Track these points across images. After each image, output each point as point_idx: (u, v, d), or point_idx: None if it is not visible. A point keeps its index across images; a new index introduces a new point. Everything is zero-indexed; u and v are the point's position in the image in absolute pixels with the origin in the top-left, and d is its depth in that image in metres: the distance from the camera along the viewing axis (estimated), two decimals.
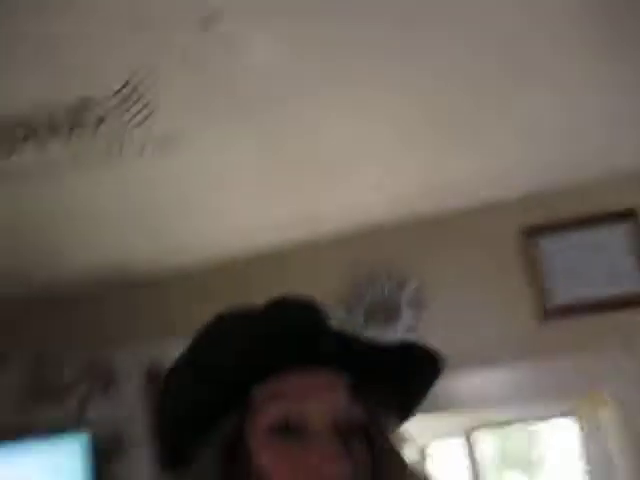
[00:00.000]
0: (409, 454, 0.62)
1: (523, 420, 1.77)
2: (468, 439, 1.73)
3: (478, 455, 1.72)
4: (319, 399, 0.57)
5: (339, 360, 0.58)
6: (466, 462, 1.75)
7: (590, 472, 1.69)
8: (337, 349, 0.57)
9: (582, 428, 1.71)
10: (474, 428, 1.76)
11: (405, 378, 0.61)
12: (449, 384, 1.69)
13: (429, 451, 1.79)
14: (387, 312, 1.84)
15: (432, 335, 1.78)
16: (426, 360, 0.61)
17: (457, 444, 1.78)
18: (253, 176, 1.66)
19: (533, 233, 1.84)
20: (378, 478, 0.58)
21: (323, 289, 1.90)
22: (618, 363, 1.66)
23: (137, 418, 1.88)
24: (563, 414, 1.78)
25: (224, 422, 0.58)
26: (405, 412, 0.65)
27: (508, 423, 1.77)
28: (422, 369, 0.62)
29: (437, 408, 1.89)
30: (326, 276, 1.93)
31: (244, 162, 1.60)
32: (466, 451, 1.75)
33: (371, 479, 0.57)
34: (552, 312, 1.76)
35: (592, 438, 1.69)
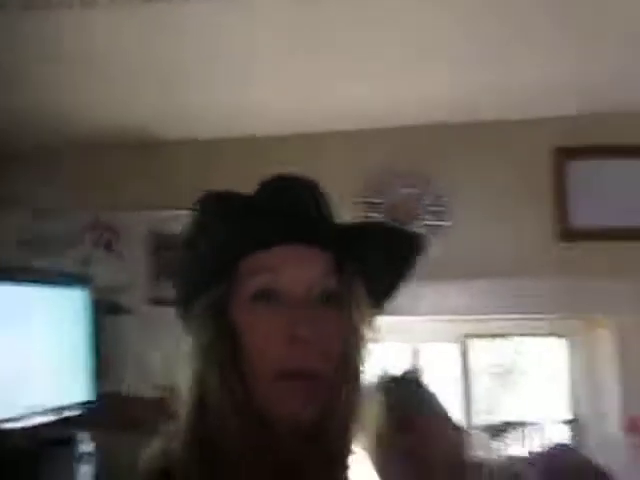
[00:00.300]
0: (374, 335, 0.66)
1: (520, 334, 1.82)
2: (462, 345, 1.79)
3: (470, 362, 1.79)
4: (297, 268, 0.60)
5: (324, 241, 0.62)
6: (457, 368, 1.81)
7: (576, 390, 1.77)
8: (323, 229, 0.62)
9: (577, 348, 1.77)
10: (468, 336, 1.81)
11: (385, 257, 0.65)
12: (455, 291, 1.72)
13: (423, 353, 1.85)
14: (407, 215, 1.81)
15: (449, 244, 1.79)
16: (404, 240, 0.66)
17: (451, 349, 1.83)
18: (282, 56, 1.55)
19: (565, 155, 1.82)
20: (345, 344, 0.62)
21: (342, 183, 1.87)
22: (623, 291, 1.68)
23: (137, 277, 1.91)
24: (560, 333, 1.83)
25: (215, 290, 0.62)
26: (383, 292, 0.68)
27: (504, 335, 1.82)
28: (400, 248, 0.65)
29: (437, 312, 1.98)
30: (347, 170, 1.88)
31: (274, 40, 1.47)
32: (458, 357, 1.81)
33: (338, 345, 0.61)
34: (570, 234, 1.76)
35: (584, 358, 1.75)
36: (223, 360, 0.60)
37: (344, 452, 0.64)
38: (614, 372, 1.70)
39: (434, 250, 1.78)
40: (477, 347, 1.80)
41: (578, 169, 1.80)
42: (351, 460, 0.65)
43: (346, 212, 1.94)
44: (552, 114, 1.81)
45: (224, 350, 0.60)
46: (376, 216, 1.82)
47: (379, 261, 0.67)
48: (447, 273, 1.70)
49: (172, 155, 2.00)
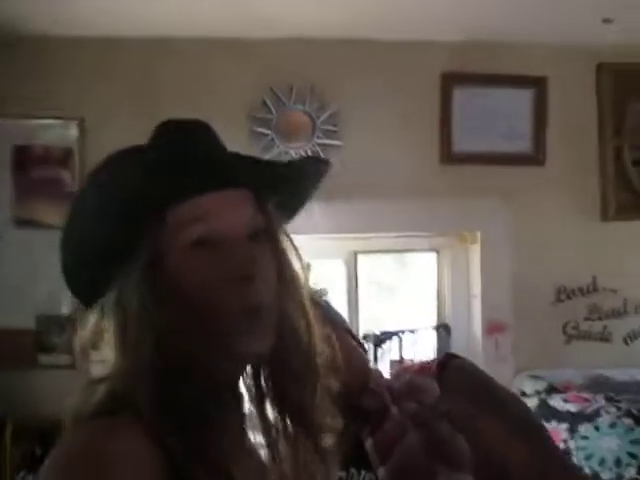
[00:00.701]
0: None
1: (401, 250, 1.95)
2: (350, 261, 1.87)
3: (356, 277, 1.89)
4: (230, 213, 0.62)
5: (242, 178, 0.65)
6: (344, 282, 1.91)
7: (447, 299, 1.95)
8: (243, 171, 0.65)
9: (451, 262, 1.93)
10: (356, 252, 1.90)
11: (294, 183, 0.70)
12: (345, 210, 1.77)
13: (312, 269, 1.91)
14: (298, 132, 1.79)
15: (340, 164, 1.80)
16: (310, 164, 0.72)
17: (338, 265, 1.91)
18: None
19: (451, 80, 1.88)
20: (281, 274, 0.65)
21: (231, 97, 1.79)
22: (496, 211, 1.85)
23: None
24: (437, 248, 1.98)
25: (142, 242, 0.60)
26: (293, 210, 0.74)
27: (388, 251, 1.94)
28: (307, 173, 0.70)
29: (328, 230, 2.04)
30: (237, 83, 1.80)
31: None
32: (346, 272, 1.90)
33: (274, 276, 0.65)
34: (452, 158, 1.86)
35: (457, 271, 1.93)
36: (171, 315, 0.59)
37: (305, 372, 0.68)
38: (479, 283, 1.89)
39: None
40: (363, 263, 1.89)
41: (463, 95, 1.88)
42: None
43: (235, 127, 1.88)
44: (442, 38, 1.85)
45: (175, 302, 0.60)
46: (265, 132, 1.78)
47: (290, 191, 0.70)
48: (337, 193, 1.74)
49: (37, 55, 1.76)
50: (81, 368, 0.65)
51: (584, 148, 1.95)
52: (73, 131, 1.69)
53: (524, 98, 1.91)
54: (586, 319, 1.93)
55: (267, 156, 1.78)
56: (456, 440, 0.90)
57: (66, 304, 1.69)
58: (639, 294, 1.96)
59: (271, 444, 0.69)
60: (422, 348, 1.95)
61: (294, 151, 1.79)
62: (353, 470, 0.98)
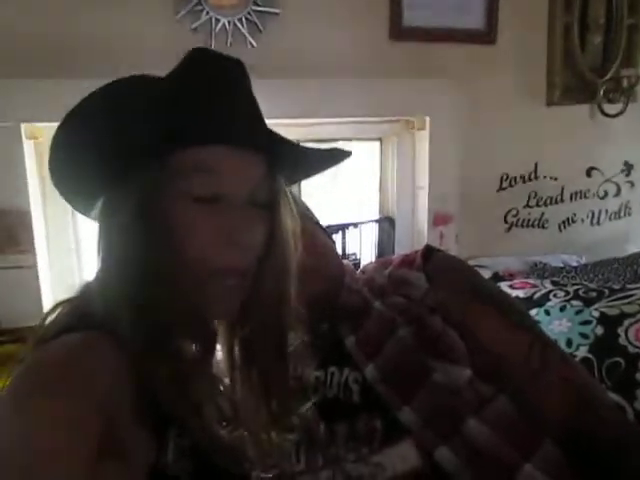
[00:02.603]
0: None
1: (346, 139, 1.79)
2: None
3: None
4: (240, 175, 0.61)
5: (262, 145, 0.63)
6: None
7: (392, 190, 1.86)
8: (260, 134, 0.62)
9: (398, 150, 1.82)
10: (301, 141, 1.72)
11: (311, 163, 0.70)
12: (286, 90, 1.57)
13: None
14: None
15: (279, 34, 1.58)
16: (329, 155, 0.70)
17: None
18: None
19: None
20: (273, 246, 0.66)
21: None
22: (446, 94, 1.73)
23: None
24: (382, 136, 1.85)
25: (140, 177, 0.58)
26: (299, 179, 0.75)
27: (331, 140, 1.78)
28: (325, 160, 0.71)
29: (270, 116, 1.83)
30: None
31: None
32: None
33: (268, 239, 0.65)
34: (400, 33, 1.69)
35: (404, 160, 1.82)
36: (162, 257, 0.59)
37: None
38: (426, 172, 1.81)
39: (263, 43, 1.58)
40: None
41: None
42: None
43: None
44: None
45: (163, 246, 0.59)
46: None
47: (302, 170, 0.72)
48: (277, 70, 1.53)
49: None
50: None
51: (534, 26, 1.84)
52: None
53: None
54: (525, 206, 1.94)
55: (195, 24, 1.51)
56: (450, 334, 0.83)
57: None
58: (576, 182, 1.99)
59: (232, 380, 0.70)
60: (366, 242, 1.88)
61: (226, 19, 1.52)
62: (333, 369, 0.90)
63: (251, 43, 1.56)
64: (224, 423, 0.66)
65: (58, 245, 1.54)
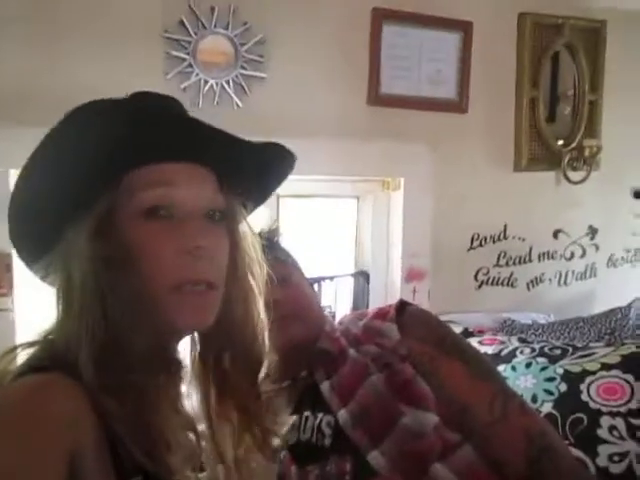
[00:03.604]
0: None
1: (324, 195, 1.87)
2: (277, 205, 1.76)
3: (282, 220, 1.79)
4: (191, 187, 0.62)
5: (206, 154, 0.63)
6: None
7: (367, 246, 1.93)
8: (204, 143, 0.63)
9: (372, 208, 1.90)
10: (281, 196, 1.79)
11: (262, 172, 0.71)
12: None
13: None
14: (220, 58, 1.62)
15: (263, 98, 1.67)
16: (280, 157, 0.72)
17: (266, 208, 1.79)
18: None
19: (381, 16, 1.79)
20: (234, 258, 0.67)
21: (148, 13, 1.58)
22: (420, 157, 1.83)
23: None
24: (358, 194, 1.93)
25: (97, 202, 0.59)
26: (257, 200, 0.76)
27: (310, 196, 1.85)
28: (276, 165, 0.72)
29: None
30: (148, 4, 1.57)
31: None
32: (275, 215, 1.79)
33: (226, 259, 0.65)
34: (378, 99, 1.80)
35: (378, 218, 1.90)
36: (117, 282, 0.58)
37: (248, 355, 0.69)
38: (399, 229, 1.88)
39: (248, 104, 1.67)
40: (287, 207, 1.80)
41: (392, 33, 1.81)
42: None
43: (148, 48, 1.68)
44: None
45: (122, 269, 0.58)
46: (182, 56, 1.58)
47: (255, 179, 0.71)
48: (261, 130, 1.61)
49: None
50: None
51: (503, 98, 1.98)
52: None
53: (451, 42, 1.88)
54: (495, 265, 2.02)
55: (184, 84, 1.59)
56: (419, 381, 0.87)
57: None
58: (542, 243, 2.08)
59: (207, 415, 0.69)
60: (341, 295, 1.93)
61: (214, 80, 1.61)
62: (307, 412, 0.93)
63: (237, 104, 1.65)
64: (190, 463, 0.65)
65: (38, 290, 1.56)
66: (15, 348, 0.61)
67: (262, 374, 0.72)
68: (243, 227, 0.70)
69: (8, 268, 1.46)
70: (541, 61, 1.98)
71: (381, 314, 1.01)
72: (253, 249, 0.70)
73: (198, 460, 0.67)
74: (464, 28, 1.89)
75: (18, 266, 1.48)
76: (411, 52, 1.84)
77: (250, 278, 0.69)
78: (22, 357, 0.61)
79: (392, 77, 1.81)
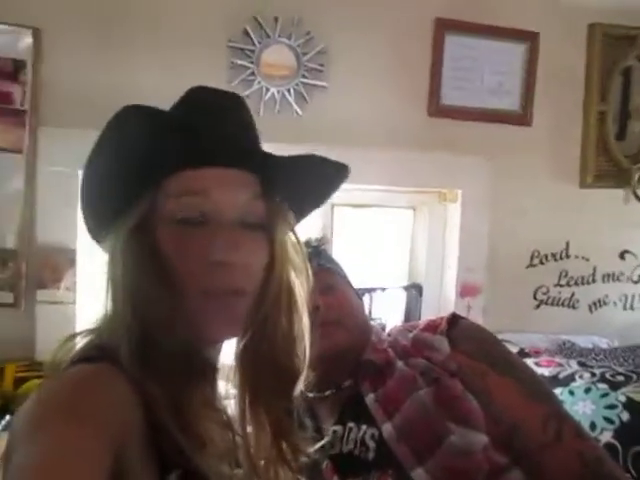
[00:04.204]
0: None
1: (379, 205, 1.86)
2: (331, 214, 1.76)
3: (337, 229, 1.78)
4: (226, 195, 0.60)
5: (254, 166, 0.63)
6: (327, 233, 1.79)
7: (421, 258, 1.90)
8: (253, 155, 0.63)
9: (428, 220, 1.87)
10: (336, 205, 1.79)
11: (310, 185, 0.69)
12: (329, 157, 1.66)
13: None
14: (282, 67, 1.64)
15: (323, 107, 1.69)
16: (330, 170, 0.69)
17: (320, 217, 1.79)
18: None
19: (443, 27, 1.77)
20: (271, 266, 0.64)
21: (212, 23, 1.63)
22: (479, 170, 1.79)
23: None
24: (414, 206, 1.91)
25: (138, 202, 0.61)
26: (303, 212, 0.73)
27: (366, 205, 1.85)
28: (325, 178, 0.69)
29: None
30: (218, 9, 1.62)
31: None
32: (329, 223, 1.79)
33: (266, 267, 0.64)
34: (438, 110, 1.77)
35: (435, 229, 1.87)
36: (152, 282, 0.59)
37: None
38: (455, 243, 1.84)
39: (308, 112, 1.68)
40: (342, 216, 1.80)
41: (454, 44, 1.78)
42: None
43: (213, 56, 1.72)
44: None
45: (152, 271, 0.59)
46: (246, 65, 1.62)
47: (303, 190, 0.69)
48: (319, 138, 1.62)
49: None
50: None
51: (569, 112, 1.91)
52: (27, 40, 1.47)
53: (515, 53, 1.84)
54: (556, 285, 1.94)
55: (247, 91, 1.63)
56: (468, 399, 0.84)
57: (11, 238, 1.51)
58: (608, 263, 1.98)
59: (241, 417, 0.68)
60: (393, 307, 1.90)
61: (276, 89, 1.64)
62: (351, 424, 0.91)
63: (297, 111, 1.67)
64: (226, 460, 0.65)
65: (100, 285, 1.62)
66: (73, 337, 0.63)
67: (297, 390, 0.69)
68: (287, 235, 0.67)
69: (72, 263, 1.53)
70: (611, 74, 1.90)
71: (432, 326, 0.98)
72: (298, 258, 0.68)
73: (234, 457, 0.66)
74: (530, 39, 1.84)
75: (81, 261, 1.55)
76: (473, 63, 1.81)
77: (293, 288, 0.67)
78: (78, 345, 0.62)
79: (453, 88, 1.79)
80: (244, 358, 0.66)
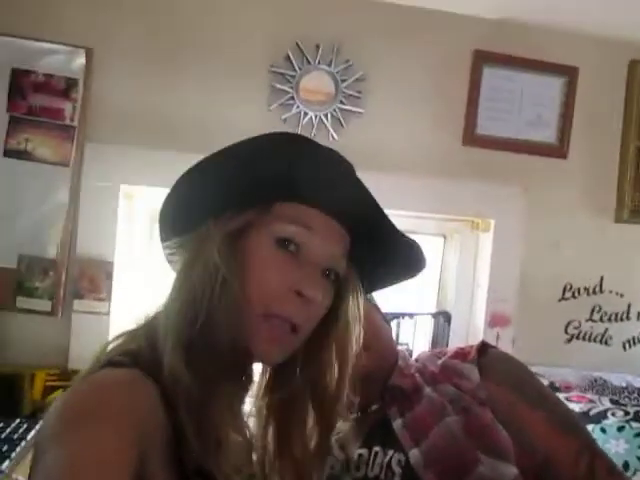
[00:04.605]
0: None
1: (410, 231, 1.86)
2: None
3: None
4: (326, 240, 0.64)
5: (353, 219, 0.66)
6: None
7: (450, 286, 1.89)
8: (357, 208, 0.65)
9: (458, 248, 1.87)
10: None
11: (390, 261, 0.72)
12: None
13: None
14: (321, 93, 1.68)
15: (359, 132, 1.71)
16: (415, 262, 0.73)
17: None
18: None
19: (482, 58, 1.80)
20: (329, 322, 0.68)
21: (254, 48, 1.68)
22: (513, 200, 1.78)
23: None
24: (445, 233, 1.91)
25: (245, 212, 0.64)
26: (372, 287, 0.76)
27: None
28: (408, 268, 0.73)
29: None
30: (264, 32, 1.68)
31: None
32: None
33: (332, 318, 0.68)
34: (473, 139, 1.79)
35: (465, 258, 1.86)
36: (227, 286, 0.61)
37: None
38: (486, 272, 1.83)
39: (344, 137, 1.71)
40: None
41: (492, 76, 1.80)
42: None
43: (255, 79, 1.77)
44: (478, 14, 1.77)
45: (234, 274, 0.61)
46: (286, 89, 1.67)
47: (383, 267, 0.73)
48: (353, 163, 1.64)
49: None
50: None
51: (606, 146, 1.90)
52: (80, 60, 1.54)
53: (554, 86, 1.84)
54: (588, 320, 1.90)
55: (285, 115, 1.67)
56: (498, 428, 0.83)
57: (52, 248, 1.57)
58: None
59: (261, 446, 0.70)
60: (420, 334, 1.89)
61: (314, 113, 1.68)
62: (377, 448, 0.91)
63: (333, 136, 1.70)
64: (242, 471, 0.65)
65: (134, 298, 1.66)
66: (107, 344, 0.65)
67: (333, 430, 0.72)
68: (354, 299, 0.71)
69: (108, 275, 1.57)
70: None
71: (461, 354, 0.98)
72: (359, 312, 0.71)
73: (248, 469, 0.68)
74: (569, 73, 1.85)
75: (117, 273, 1.59)
76: (511, 95, 1.82)
77: (348, 346, 0.70)
78: (109, 349, 0.64)
79: (489, 118, 1.80)
80: (283, 387, 0.69)
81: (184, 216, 0.68)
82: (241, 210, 0.64)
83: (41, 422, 0.53)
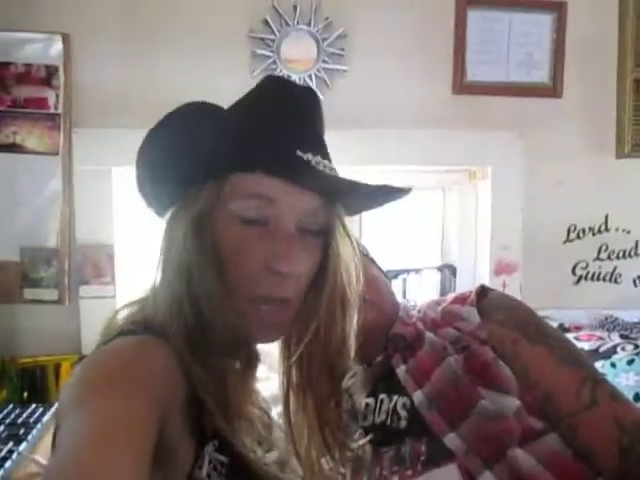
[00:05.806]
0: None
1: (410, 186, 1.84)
2: None
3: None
4: (292, 205, 0.61)
5: (322, 190, 0.62)
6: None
7: (452, 238, 1.88)
8: (323, 180, 0.62)
9: (458, 199, 1.85)
10: None
11: (370, 204, 0.72)
12: (346, 139, 1.66)
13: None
14: (302, 54, 1.66)
15: (345, 90, 1.69)
16: (395, 196, 0.72)
17: None
18: None
19: (464, 2, 1.74)
20: (325, 272, 0.65)
21: (231, 13, 1.65)
22: (509, 145, 1.75)
23: None
24: (444, 186, 1.89)
25: (203, 190, 0.61)
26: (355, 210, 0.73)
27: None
28: (387, 195, 0.71)
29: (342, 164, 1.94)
30: (233, 7, 1.65)
31: None
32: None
33: (321, 273, 0.64)
34: (463, 87, 1.75)
35: (463, 209, 1.85)
36: (205, 270, 0.60)
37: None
38: (488, 221, 1.81)
39: (330, 97, 1.68)
40: None
41: (478, 19, 1.75)
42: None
43: (235, 48, 1.74)
44: None
45: (211, 263, 0.60)
46: (267, 54, 1.64)
47: (364, 206, 0.73)
48: (343, 122, 1.62)
49: None
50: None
51: (602, 81, 1.84)
52: (57, 46, 1.53)
53: (542, 24, 1.79)
54: (596, 259, 1.88)
55: None
56: (500, 364, 0.84)
57: (52, 237, 1.58)
58: None
59: (285, 401, 0.69)
60: (427, 288, 1.89)
61: (297, 75, 1.65)
62: (383, 396, 0.92)
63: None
64: (259, 443, 0.66)
65: (138, 277, 1.67)
66: (116, 313, 0.65)
67: (345, 383, 0.71)
68: (342, 239, 0.66)
69: (110, 259, 1.58)
70: None
71: (461, 298, 0.98)
72: (352, 258, 0.67)
73: (267, 442, 0.68)
74: (557, 8, 1.79)
75: (119, 256, 1.60)
76: (499, 36, 1.77)
77: (346, 292, 0.67)
78: (120, 318, 0.65)
79: (478, 63, 1.76)
80: (297, 360, 0.67)
81: (152, 196, 0.66)
82: (201, 186, 0.61)
83: (61, 391, 0.54)
